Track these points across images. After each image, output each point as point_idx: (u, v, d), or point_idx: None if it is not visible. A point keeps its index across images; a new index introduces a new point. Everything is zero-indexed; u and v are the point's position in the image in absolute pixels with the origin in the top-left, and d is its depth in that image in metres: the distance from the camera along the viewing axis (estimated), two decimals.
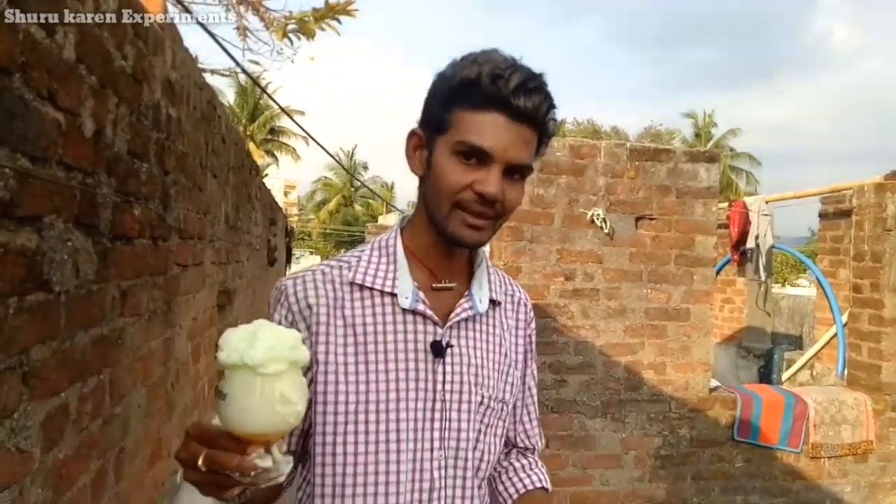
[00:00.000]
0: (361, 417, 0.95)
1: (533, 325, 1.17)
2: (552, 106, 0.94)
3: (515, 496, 1.15)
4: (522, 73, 0.90)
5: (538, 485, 1.16)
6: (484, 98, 0.90)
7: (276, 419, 0.69)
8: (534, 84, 0.91)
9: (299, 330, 0.97)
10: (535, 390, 1.20)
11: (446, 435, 0.98)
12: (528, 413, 1.20)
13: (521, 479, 1.17)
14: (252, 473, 0.69)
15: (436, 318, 0.99)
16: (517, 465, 1.19)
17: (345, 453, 0.95)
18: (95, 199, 1.32)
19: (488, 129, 0.91)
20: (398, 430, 0.95)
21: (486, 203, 0.92)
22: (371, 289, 0.99)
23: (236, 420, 0.69)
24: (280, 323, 0.99)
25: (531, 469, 1.19)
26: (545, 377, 3.32)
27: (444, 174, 0.93)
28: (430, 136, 0.97)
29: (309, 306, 0.97)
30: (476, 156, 0.91)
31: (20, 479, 1.01)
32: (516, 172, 0.94)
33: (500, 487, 1.16)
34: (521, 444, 1.20)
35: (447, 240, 0.97)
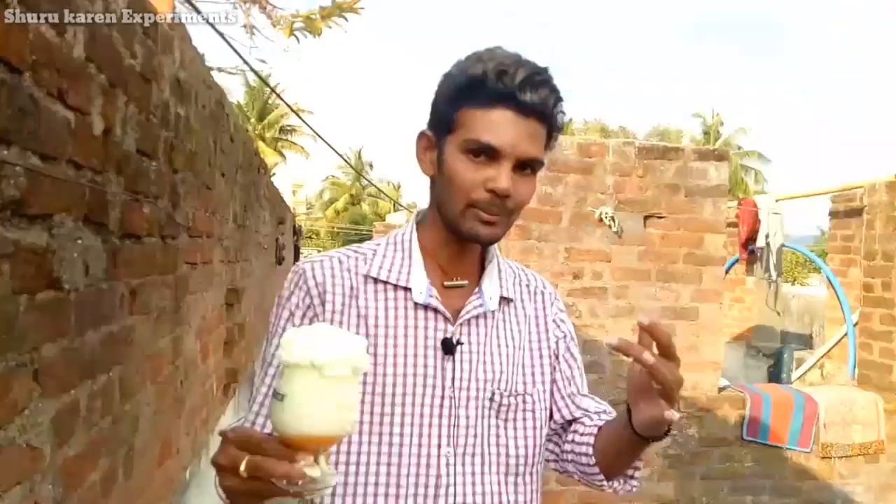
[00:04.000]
0: (367, 409, 0.95)
1: (559, 305, 1.13)
2: (559, 99, 0.95)
3: (592, 441, 1.04)
4: (527, 67, 0.91)
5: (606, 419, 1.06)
6: (490, 95, 0.91)
7: (334, 424, 0.67)
8: (540, 78, 0.91)
9: (315, 314, 0.98)
10: (577, 363, 1.12)
11: (454, 432, 0.98)
12: (578, 387, 1.10)
13: (587, 428, 1.06)
14: (299, 482, 0.65)
15: (448, 314, 0.99)
16: (580, 418, 1.09)
17: (349, 442, 0.95)
18: (105, 198, 1.33)
19: (496, 125, 0.91)
20: (402, 425, 0.96)
21: (499, 199, 0.92)
22: (385, 282, 1.00)
23: (294, 422, 0.66)
24: (297, 306, 0.99)
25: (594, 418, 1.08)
26: None
27: (456, 173, 0.94)
28: (440, 136, 0.97)
29: (327, 291, 0.98)
30: (486, 153, 0.92)
31: (31, 475, 1.02)
32: (527, 167, 0.94)
33: (576, 448, 1.06)
34: (578, 416, 1.09)
35: (463, 237, 0.97)
